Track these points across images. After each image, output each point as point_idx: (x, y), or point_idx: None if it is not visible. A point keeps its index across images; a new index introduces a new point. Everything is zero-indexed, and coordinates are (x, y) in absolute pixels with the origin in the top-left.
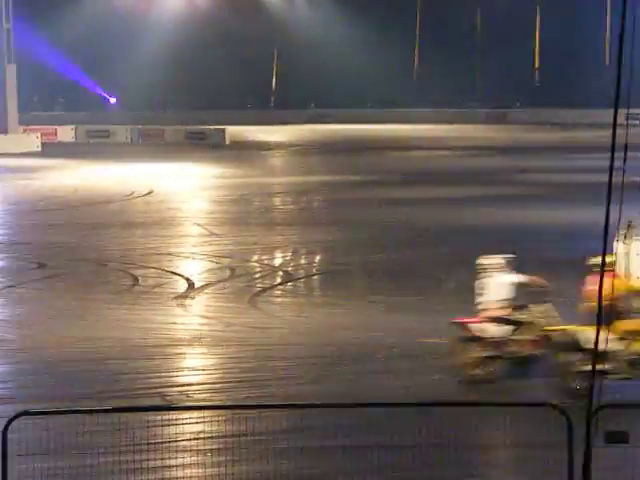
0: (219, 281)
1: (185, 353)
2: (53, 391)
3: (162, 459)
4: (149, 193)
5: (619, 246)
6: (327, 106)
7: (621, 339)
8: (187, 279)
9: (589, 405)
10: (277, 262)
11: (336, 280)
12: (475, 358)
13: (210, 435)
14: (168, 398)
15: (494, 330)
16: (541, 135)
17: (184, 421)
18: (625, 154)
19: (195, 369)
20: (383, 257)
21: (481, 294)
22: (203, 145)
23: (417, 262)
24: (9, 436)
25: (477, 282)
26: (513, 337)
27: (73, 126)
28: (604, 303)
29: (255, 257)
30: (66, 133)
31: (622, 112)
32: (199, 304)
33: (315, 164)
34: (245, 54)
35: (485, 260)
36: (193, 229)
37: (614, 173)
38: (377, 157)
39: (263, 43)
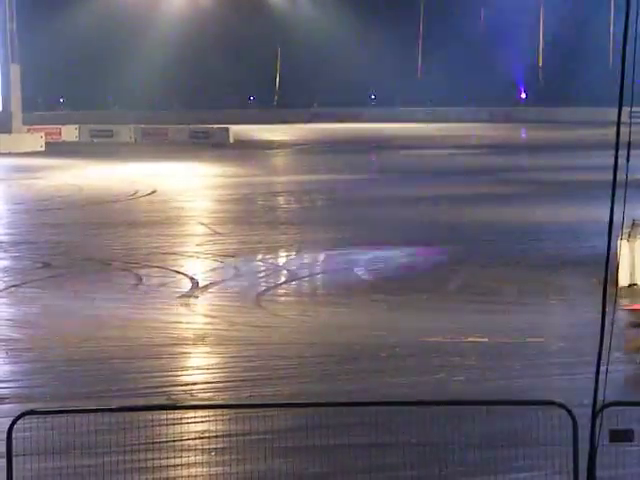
0: (223, 280)
1: (189, 352)
2: (58, 390)
3: (167, 458)
4: (153, 192)
5: (623, 244)
6: (330, 105)
7: None
8: (191, 278)
9: (594, 403)
10: (281, 261)
11: (340, 279)
12: None
13: (214, 434)
14: (173, 397)
15: None
16: (544, 133)
17: (189, 420)
18: (628, 152)
19: (199, 368)
20: (389, 255)
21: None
22: (207, 144)
23: (422, 261)
24: (14, 435)
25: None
26: None
27: (77, 126)
28: None
29: (259, 256)
30: (70, 133)
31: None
32: (203, 303)
33: (318, 163)
34: (248, 53)
35: None
36: (197, 228)
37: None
38: (380, 156)
39: (266, 42)
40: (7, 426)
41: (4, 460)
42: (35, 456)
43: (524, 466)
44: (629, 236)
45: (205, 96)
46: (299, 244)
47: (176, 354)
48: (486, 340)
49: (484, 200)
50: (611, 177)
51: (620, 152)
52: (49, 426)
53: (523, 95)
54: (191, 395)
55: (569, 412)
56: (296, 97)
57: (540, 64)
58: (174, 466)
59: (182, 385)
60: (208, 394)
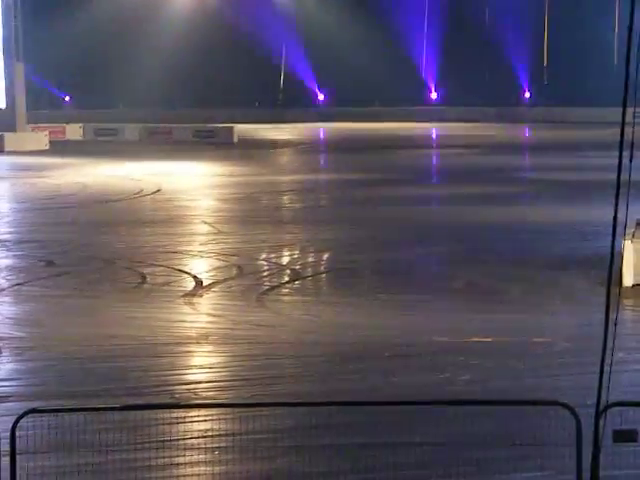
0: (227, 279)
1: (193, 351)
2: (61, 389)
3: (170, 457)
4: (157, 191)
5: (627, 245)
6: (336, 104)
7: None
8: (195, 277)
9: (597, 404)
10: (285, 260)
11: (344, 278)
12: None
13: (218, 433)
14: (176, 396)
15: None
16: (550, 133)
17: (192, 419)
18: (631, 152)
19: (203, 367)
20: (391, 255)
21: None
22: (211, 143)
23: (426, 260)
24: (17, 434)
25: None
26: None
27: (81, 124)
28: None
29: (263, 255)
30: (74, 131)
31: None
32: (207, 302)
33: (324, 162)
34: (253, 52)
35: None
36: (201, 227)
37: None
38: (385, 155)
39: (271, 41)
40: (10, 424)
41: (7, 458)
42: (38, 454)
43: (527, 466)
44: (633, 236)
45: (210, 95)
46: (303, 243)
47: (180, 353)
48: (491, 340)
49: (489, 199)
50: (615, 177)
51: (625, 152)
52: (52, 424)
53: (527, 94)
54: (195, 394)
55: (573, 412)
56: (301, 96)
57: (545, 64)
58: (177, 465)
59: (186, 384)
60: (211, 393)
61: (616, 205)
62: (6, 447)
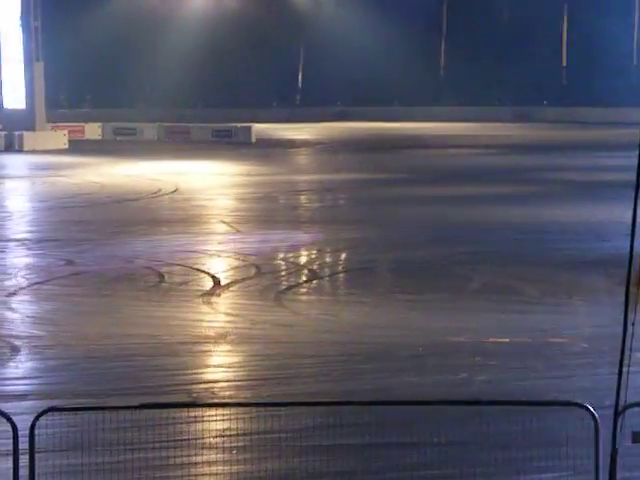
0: (245, 278)
1: (211, 350)
2: (80, 387)
3: (188, 456)
4: (175, 191)
5: None
6: (353, 104)
7: None
8: (213, 276)
9: (616, 404)
10: (303, 260)
11: (362, 278)
12: None
13: (236, 432)
14: (194, 395)
15: None
16: (568, 133)
17: (210, 418)
18: None
19: (221, 366)
20: (410, 255)
21: None
22: (229, 143)
23: (444, 260)
24: (36, 432)
25: None
26: None
27: (100, 124)
28: None
29: (281, 255)
30: (93, 131)
31: None
32: (225, 301)
33: (341, 162)
34: (271, 52)
35: None
36: (219, 227)
37: None
38: (403, 155)
39: (289, 41)
40: (30, 422)
41: (26, 456)
42: (57, 453)
43: (545, 467)
44: None
45: (228, 95)
46: (321, 243)
47: (197, 352)
48: (508, 340)
49: (506, 200)
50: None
51: None
52: (71, 423)
53: (545, 95)
54: (212, 393)
55: (591, 413)
56: (319, 96)
57: (564, 64)
58: (195, 464)
59: (203, 383)
60: (229, 392)
61: (635, 204)
62: (25, 445)
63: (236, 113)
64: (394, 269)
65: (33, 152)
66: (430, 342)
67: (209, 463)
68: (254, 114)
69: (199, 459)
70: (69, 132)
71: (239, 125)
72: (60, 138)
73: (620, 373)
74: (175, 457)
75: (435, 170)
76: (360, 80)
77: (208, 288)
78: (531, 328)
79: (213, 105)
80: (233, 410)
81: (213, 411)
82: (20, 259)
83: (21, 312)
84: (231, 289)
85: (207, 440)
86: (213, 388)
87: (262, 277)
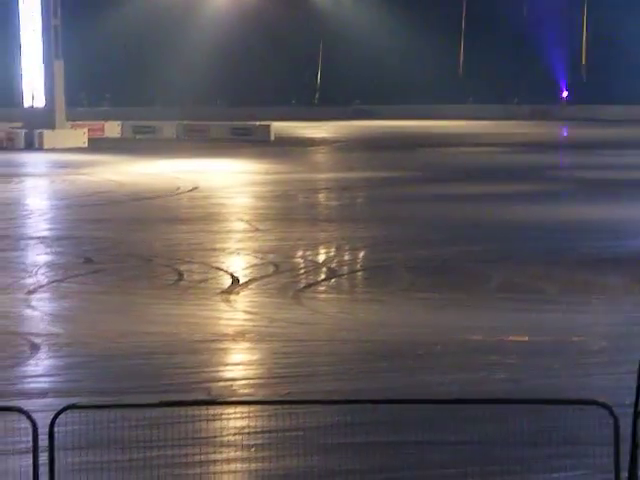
0: (263, 277)
1: (230, 348)
2: (98, 385)
3: (207, 453)
4: (194, 189)
5: None
6: (371, 102)
7: None
8: (232, 274)
9: (636, 403)
10: (321, 258)
11: (380, 276)
12: None
13: (254, 430)
14: (213, 393)
15: None
16: (587, 131)
17: (229, 416)
18: None
19: (239, 364)
20: (427, 253)
21: None
22: (248, 141)
23: (462, 259)
24: (56, 429)
25: None
26: None
27: (119, 122)
28: None
29: (299, 253)
30: (112, 129)
31: None
32: (243, 299)
33: (359, 160)
34: (290, 50)
35: None
36: (238, 225)
37: None
38: (420, 153)
39: (308, 39)
40: (49, 420)
41: (46, 454)
42: (77, 450)
43: (565, 465)
44: None
45: (247, 93)
46: (339, 241)
47: (216, 350)
48: (526, 339)
49: (523, 198)
50: None
51: None
52: (90, 420)
53: (565, 94)
54: (231, 391)
55: (611, 411)
56: (337, 94)
57: (583, 62)
58: (214, 462)
59: (222, 381)
60: (248, 390)
61: None
62: (45, 443)
63: (255, 111)
64: (411, 267)
65: (53, 150)
66: (448, 340)
67: (228, 461)
68: (273, 112)
69: (218, 457)
70: (89, 130)
71: (258, 123)
72: (80, 136)
73: None
74: (194, 454)
75: (452, 168)
76: (378, 78)
77: (227, 286)
78: (549, 326)
79: (232, 103)
80: (252, 408)
81: (232, 409)
82: (39, 257)
83: (40, 310)
84: (250, 287)
85: (226, 438)
86: (232, 386)
87: (280, 275)
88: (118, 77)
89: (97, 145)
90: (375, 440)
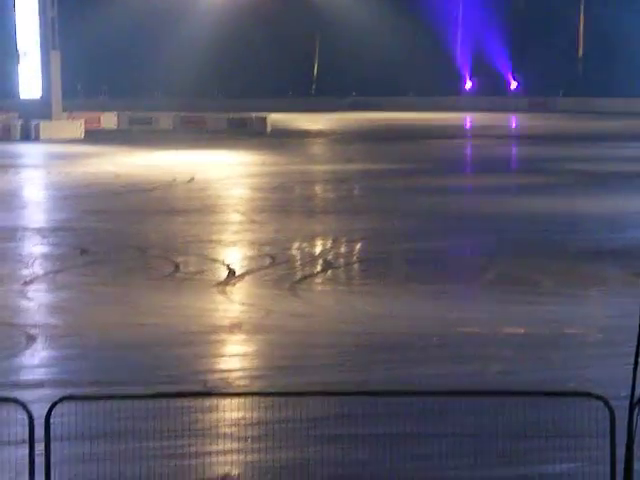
0: (260, 268)
1: (226, 340)
2: (94, 376)
3: (203, 445)
4: (191, 180)
5: None
6: (368, 94)
7: None
8: (228, 266)
9: (631, 395)
10: (318, 250)
11: (377, 268)
12: None
13: (250, 421)
14: (209, 384)
15: None
16: (584, 124)
17: (224, 407)
18: None
19: (236, 356)
20: (424, 245)
21: None
22: (245, 133)
23: (458, 251)
24: (52, 420)
25: None
26: None
27: (116, 113)
28: None
29: (296, 245)
30: (109, 120)
31: None
32: (240, 291)
33: (356, 152)
34: (287, 42)
35: None
36: (234, 216)
37: None
38: (418, 145)
39: (305, 31)
40: (45, 411)
41: (42, 445)
42: (72, 441)
43: (561, 457)
44: None
45: (244, 85)
46: (336, 233)
47: (212, 341)
48: (523, 331)
49: (520, 190)
50: None
51: None
52: (86, 411)
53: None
54: (227, 382)
55: (607, 404)
56: (334, 86)
57: (580, 55)
58: (210, 453)
59: (218, 372)
60: (244, 381)
61: None
62: (41, 433)
63: (251, 103)
64: (409, 259)
65: (49, 141)
66: (445, 332)
67: (224, 452)
68: (269, 104)
69: (214, 448)
70: (85, 122)
71: (254, 115)
72: (76, 127)
73: (636, 364)
74: (190, 446)
75: (449, 160)
76: (375, 70)
77: (223, 278)
78: (546, 319)
79: (229, 95)
80: (248, 399)
81: (228, 400)
82: (36, 248)
83: (36, 301)
84: (246, 279)
85: (222, 429)
86: (228, 377)
87: (277, 267)
88: (115, 68)
89: (94, 136)
90: (371, 432)
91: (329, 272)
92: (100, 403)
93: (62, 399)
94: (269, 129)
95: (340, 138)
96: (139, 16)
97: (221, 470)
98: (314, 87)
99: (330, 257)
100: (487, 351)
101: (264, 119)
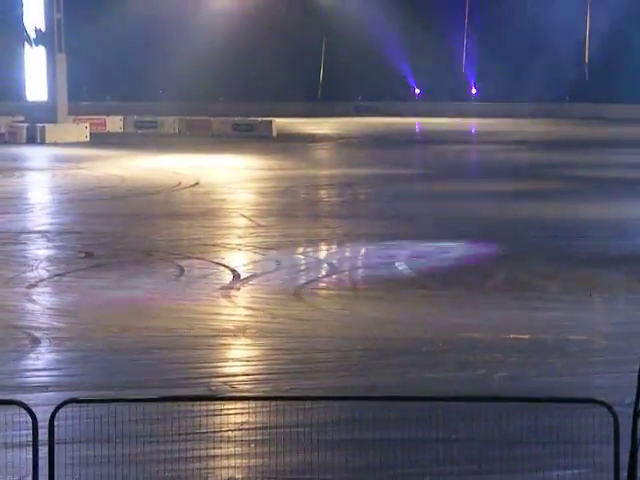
0: (264, 272)
1: (230, 344)
2: (99, 379)
3: (206, 449)
4: (195, 184)
5: None
6: (374, 99)
7: None
8: (232, 270)
9: (636, 402)
10: (323, 255)
11: (382, 273)
12: None
13: (254, 426)
14: (213, 388)
15: None
16: (589, 130)
17: (228, 411)
18: None
19: (240, 360)
20: (429, 250)
21: None
22: (250, 137)
23: (465, 256)
24: (56, 423)
25: None
26: None
27: (121, 117)
28: None
29: (301, 249)
30: (114, 123)
31: None
32: (244, 295)
33: (361, 157)
34: (293, 46)
35: None
36: (239, 220)
37: None
38: (423, 150)
39: (311, 35)
40: (49, 414)
41: (46, 448)
42: (76, 444)
43: (564, 463)
44: None
45: (249, 89)
46: (341, 237)
47: (217, 345)
48: (528, 337)
49: (527, 196)
50: None
51: None
52: (90, 415)
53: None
54: (231, 386)
55: (611, 410)
56: (340, 90)
57: (586, 61)
58: (213, 457)
59: (222, 376)
60: (248, 386)
61: None
62: (45, 436)
63: (257, 107)
64: (414, 264)
65: (55, 144)
66: (450, 338)
67: (227, 456)
68: (275, 108)
69: (217, 452)
70: (91, 125)
71: (260, 119)
72: (82, 131)
73: None
74: (194, 450)
75: (454, 166)
76: (382, 75)
77: (228, 282)
78: (551, 325)
79: (234, 99)
80: (252, 403)
81: (232, 404)
82: (40, 251)
83: (41, 304)
84: (251, 283)
85: (225, 433)
86: (232, 381)
87: (282, 271)
88: (120, 72)
89: (99, 140)
90: (376, 437)
91: (334, 277)
92: (104, 406)
93: (66, 402)
94: (275, 133)
95: (346, 142)
96: (145, 19)
97: (225, 474)
98: (320, 91)
99: (335, 262)
100: (492, 356)
101: (270, 123)
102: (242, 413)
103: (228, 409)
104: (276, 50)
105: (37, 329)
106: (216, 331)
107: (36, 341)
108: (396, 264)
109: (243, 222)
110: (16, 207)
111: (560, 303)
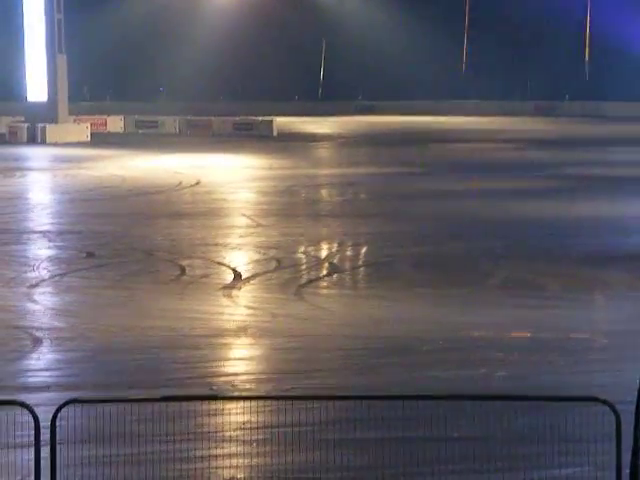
0: (266, 272)
1: (231, 343)
2: (100, 379)
3: (208, 448)
4: (196, 184)
5: None
6: (375, 98)
7: None
8: (234, 270)
9: (637, 399)
10: (323, 254)
11: (382, 272)
12: None
13: (256, 425)
14: (214, 388)
15: None
16: (590, 128)
17: (230, 411)
18: None
19: (241, 359)
20: (430, 249)
21: None
22: (251, 136)
23: (465, 255)
24: (58, 423)
25: None
26: None
27: (122, 116)
28: None
29: (301, 248)
30: (115, 123)
31: None
32: (245, 295)
33: (362, 156)
34: (293, 46)
35: None
36: (240, 220)
37: None
38: (424, 149)
39: (311, 34)
40: (51, 414)
41: (48, 448)
42: (78, 445)
43: (566, 462)
44: None
45: (250, 88)
46: (342, 237)
47: (218, 345)
48: (529, 335)
49: (525, 195)
50: None
51: None
52: (92, 415)
53: (567, 93)
54: (233, 386)
55: (612, 408)
56: (341, 90)
57: (587, 59)
58: (215, 456)
59: (224, 376)
60: (250, 385)
61: None
62: (46, 437)
63: (258, 106)
64: (414, 263)
65: (55, 144)
66: (450, 336)
67: (229, 456)
68: (276, 107)
69: (219, 452)
70: (91, 125)
71: (260, 118)
72: (82, 131)
73: None
74: (195, 450)
75: (455, 164)
76: (382, 74)
77: (229, 281)
78: (552, 323)
79: (235, 98)
80: (253, 403)
81: (233, 404)
82: (41, 251)
83: (42, 304)
84: (252, 282)
85: (227, 433)
86: (234, 381)
87: (283, 270)
88: (121, 71)
89: (99, 139)
90: (377, 436)
91: (335, 276)
92: (106, 406)
93: (68, 402)
94: (275, 133)
95: (346, 142)
96: (145, 19)
97: (227, 474)
98: (321, 91)
99: (336, 261)
100: (493, 355)
101: (270, 122)
102: (244, 412)
103: (230, 408)
104: (277, 50)
105: (38, 329)
106: (217, 330)
107: (37, 341)
108: (397, 262)
109: (244, 221)
110: (17, 207)
111: (561, 301)
